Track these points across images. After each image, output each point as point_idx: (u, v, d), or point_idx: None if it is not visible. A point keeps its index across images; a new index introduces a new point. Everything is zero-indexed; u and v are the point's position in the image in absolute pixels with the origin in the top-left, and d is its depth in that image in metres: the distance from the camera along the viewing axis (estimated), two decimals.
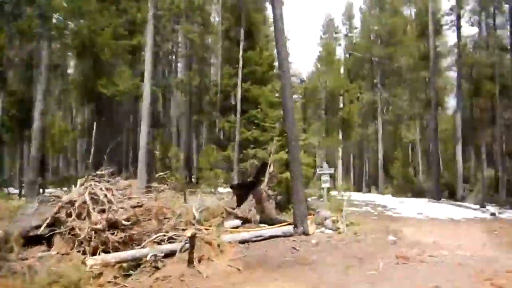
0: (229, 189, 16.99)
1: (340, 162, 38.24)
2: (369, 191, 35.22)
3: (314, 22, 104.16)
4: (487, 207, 19.45)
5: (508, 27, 26.36)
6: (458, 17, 29.77)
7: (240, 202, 12.85)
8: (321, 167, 18.23)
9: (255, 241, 9.85)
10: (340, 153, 38.59)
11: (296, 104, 39.25)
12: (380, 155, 36.60)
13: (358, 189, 37.46)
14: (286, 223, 11.17)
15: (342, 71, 40.80)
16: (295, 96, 37.11)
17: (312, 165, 20.55)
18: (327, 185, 17.54)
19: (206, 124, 35.96)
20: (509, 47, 26.71)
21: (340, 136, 37.39)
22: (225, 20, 29.93)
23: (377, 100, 38.14)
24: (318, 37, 47.07)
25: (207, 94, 31.72)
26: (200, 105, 32.63)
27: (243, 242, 9.71)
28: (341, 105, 37.10)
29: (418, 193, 28.92)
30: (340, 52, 43.69)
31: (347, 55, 44.09)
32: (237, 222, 11.86)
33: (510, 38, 25.74)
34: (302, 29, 73.08)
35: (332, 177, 27.76)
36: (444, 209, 18.54)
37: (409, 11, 39.90)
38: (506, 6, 26.74)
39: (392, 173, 35.27)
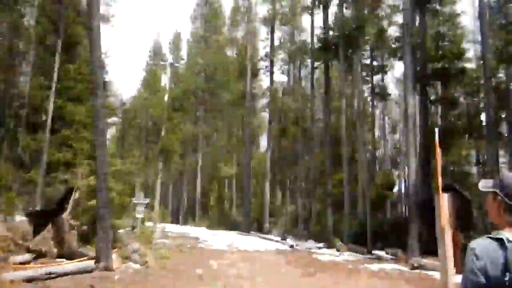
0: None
1: (158, 192, 37.54)
2: (186, 223, 35.28)
3: (143, 45, 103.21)
4: (287, 239, 21.38)
5: (310, 79, 30.57)
6: (272, 64, 33.38)
7: (37, 232, 11.21)
8: (137, 196, 17.52)
9: (47, 279, 8.55)
10: (159, 183, 37.97)
11: (114, 128, 37.47)
12: (198, 188, 37.27)
13: (175, 220, 37.22)
14: (88, 257, 10.11)
15: (166, 99, 40.80)
16: (114, 118, 35.34)
17: (127, 193, 19.55)
18: (141, 215, 16.84)
19: (8, 140, 31.11)
20: (309, 97, 30.81)
21: (160, 166, 36.90)
22: (41, 25, 26.82)
23: (199, 132, 39.15)
24: (145, 62, 46.32)
25: (12, 106, 27.60)
26: (2, 117, 28.16)
27: (31, 280, 8.32)
28: (163, 134, 36.86)
29: (232, 226, 30.17)
30: (165, 81, 43.77)
31: (173, 85, 44.40)
32: (28, 256, 10.23)
33: (311, 89, 29.71)
34: (129, 49, 71.37)
35: (148, 207, 26.95)
36: (251, 241, 19.66)
37: (232, 51, 42.55)
38: (309, 61, 30.97)
39: (209, 206, 36.19)
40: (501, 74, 24.57)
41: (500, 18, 24.60)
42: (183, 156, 40.92)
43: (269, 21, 33.53)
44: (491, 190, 1.66)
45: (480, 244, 1.52)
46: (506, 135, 24.33)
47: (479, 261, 1.47)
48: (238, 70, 37.88)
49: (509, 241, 1.48)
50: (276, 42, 34.61)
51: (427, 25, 22.56)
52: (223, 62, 40.25)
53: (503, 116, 23.94)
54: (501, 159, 23.06)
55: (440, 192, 5.50)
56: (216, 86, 39.50)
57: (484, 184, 1.71)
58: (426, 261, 12.81)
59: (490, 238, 1.52)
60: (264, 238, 22.98)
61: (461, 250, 7.27)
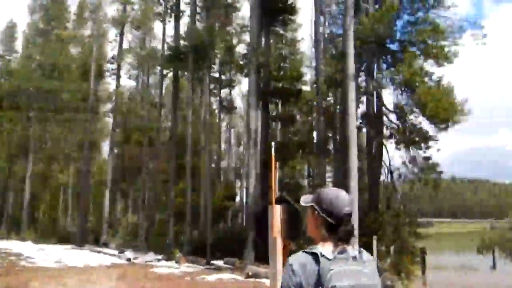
0: None
1: None
2: (9, 237, 30.83)
3: None
4: (126, 253, 20.33)
5: (159, 87, 30.14)
6: (119, 67, 32.01)
7: None
8: None
9: None
10: None
11: None
12: (27, 196, 33.12)
13: None
14: None
15: None
16: None
17: None
18: None
19: None
20: (157, 105, 30.25)
21: None
22: None
23: (30, 135, 34.91)
24: None
25: None
26: None
27: None
28: None
29: (65, 238, 27.75)
30: None
31: (2, 79, 38.94)
32: None
33: (160, 97, 29.27)
34: None
35: None
36: (84, 256, 18.19)
37: (76, 50, 39.27)
38: (158, 68, 30.56)
39: (39, 217, 32.46)
40: (330, 98, 27.68)
41: (332, 48, 27.82)
42: (10, 160, 35.97)
43: (119, 23, 31.98)
44: (309, 204, 1.69)
45: (297, 260, 1.53)
46: (332, 152, 27.40)
47: (295, 277, 1.48)
48: (81, 70, 35.19)
49: (322, 255, 1.49)
50: (126, 46, 33.22)
51: (272, 47, 24.25)
52: (65, 60, 36.75)
53: (331, 135, 26.93)
54: (328, 174, 25.85)
55: (274, 203, 5.75)
56: (55, 85, 35.71)
57: (304, 199, 1.75)
58: (260, 269, 13.43)
59: (306, 252, 1.54)
60: (99, 252, 21.49)
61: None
